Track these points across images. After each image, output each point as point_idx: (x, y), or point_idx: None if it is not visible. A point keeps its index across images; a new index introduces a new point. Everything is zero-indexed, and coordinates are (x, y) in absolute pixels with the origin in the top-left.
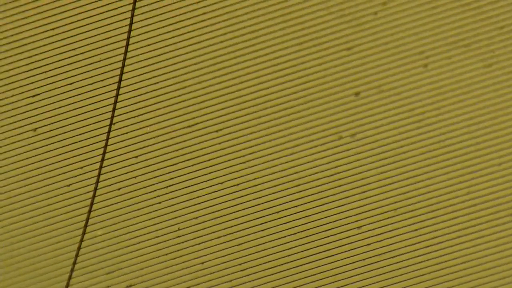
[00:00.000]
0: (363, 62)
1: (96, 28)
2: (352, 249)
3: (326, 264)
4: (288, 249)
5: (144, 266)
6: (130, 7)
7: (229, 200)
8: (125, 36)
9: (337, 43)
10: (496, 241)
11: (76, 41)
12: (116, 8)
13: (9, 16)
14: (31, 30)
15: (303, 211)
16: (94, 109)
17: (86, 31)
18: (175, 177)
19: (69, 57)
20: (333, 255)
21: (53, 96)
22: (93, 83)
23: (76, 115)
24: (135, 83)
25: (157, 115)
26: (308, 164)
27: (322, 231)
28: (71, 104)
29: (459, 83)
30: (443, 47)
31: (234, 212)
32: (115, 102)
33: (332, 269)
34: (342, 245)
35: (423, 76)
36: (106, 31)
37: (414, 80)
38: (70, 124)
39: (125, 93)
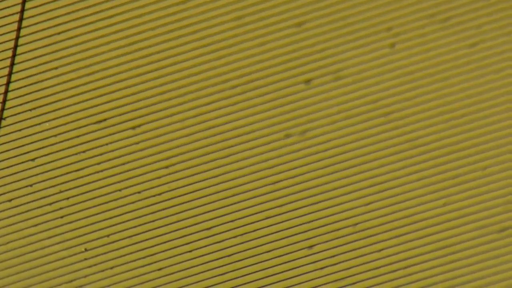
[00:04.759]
0: (316, 41)
1: None
2: (302, 274)
3: None
4: (221, 274)
5: None
6: None
7: (149, 214)
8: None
9: (284, 17)
10: (478, 260)
11: None
12: None
13: None
14: None
15: (239, 227)
16: None
17: None
18: (81, 185)
19: None
20: (276, 282)
21: None
22: None
23: None
24: (30, 68)
25: (57, 107)
26: (247, 169)
27: (264, 252)
28: None
29: (435, 67)
30: (414, 23)
31: (154, 229)
32: (6, 92)
33: None
34: (289, 269)
35: (389, 58)
36: None
37: (378, 64)
38: None
39: (18, 80)
